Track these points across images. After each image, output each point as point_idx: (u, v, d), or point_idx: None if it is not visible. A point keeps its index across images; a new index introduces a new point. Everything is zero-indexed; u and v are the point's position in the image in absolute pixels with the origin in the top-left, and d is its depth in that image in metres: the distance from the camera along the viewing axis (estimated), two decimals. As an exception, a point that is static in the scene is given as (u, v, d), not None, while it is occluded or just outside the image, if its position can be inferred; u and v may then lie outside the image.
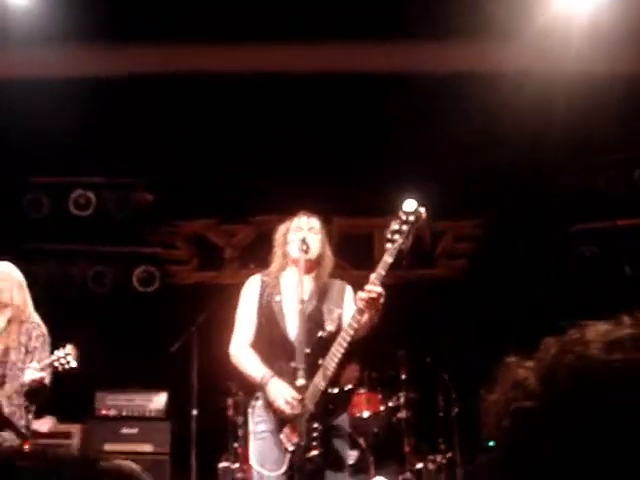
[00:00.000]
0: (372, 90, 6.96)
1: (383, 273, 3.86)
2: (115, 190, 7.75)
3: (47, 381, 4.76)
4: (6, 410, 4.68)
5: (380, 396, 6.64)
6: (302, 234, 4.20)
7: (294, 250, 4.20)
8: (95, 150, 7.30)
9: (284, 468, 4.00)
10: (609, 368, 0.73)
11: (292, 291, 4.19)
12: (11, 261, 7.25)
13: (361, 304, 3.88)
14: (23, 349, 4.79)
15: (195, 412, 6.46)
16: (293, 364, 3.98)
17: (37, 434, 6.71)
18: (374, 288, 3.85)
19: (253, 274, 4.45)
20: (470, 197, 7.20)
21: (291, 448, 4.00)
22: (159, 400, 6.94)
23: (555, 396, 0.73)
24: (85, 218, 7.72)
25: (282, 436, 4.05)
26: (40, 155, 7.21)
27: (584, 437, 0.70)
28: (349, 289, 4.31)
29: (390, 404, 6.64)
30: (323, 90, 7.02)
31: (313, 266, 4.26)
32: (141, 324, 7.44)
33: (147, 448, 6.67)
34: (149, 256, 7.91)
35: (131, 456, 6.27)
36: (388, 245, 3.89)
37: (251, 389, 4.28)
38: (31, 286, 7.38)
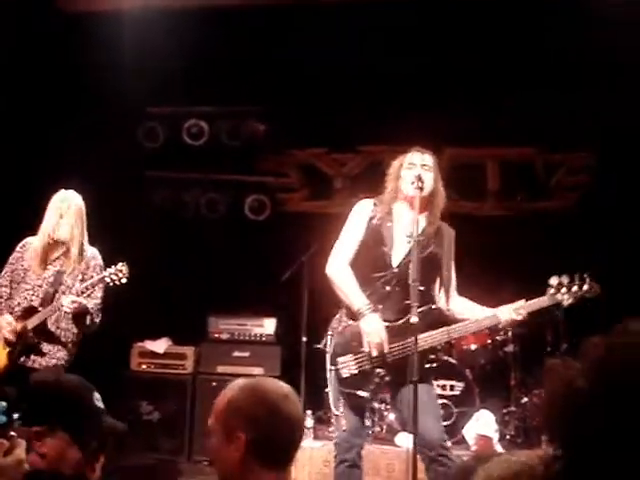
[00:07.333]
0: (480, 16, 6.72)
1: (530, 311, 4.11)
2: (227, 119, 7.84)
3: (90, 306, 4.66)
4: (52, 329, 4.70)
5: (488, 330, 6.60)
6: (416, 171, 4.14)
7: (407, 186, 4.16)
8: (208, 80, 7.37)
9: None
10: None
11: (403, 224, 4.17)
12: (128, 189, 7.53)
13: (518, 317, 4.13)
14: (80, 276, 4.76)
15: (305, 338, 6.59)
16: (388, 288, 4.08)
17: (154, 354, 7.06)
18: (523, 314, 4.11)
19: None
20: (584, 128, 6.89)
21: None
22: (270, 325, 7.10)
23: (606, 390, 0.74)
24: (198, 147, 7.86)
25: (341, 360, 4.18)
26: (155, 86, 7.33)
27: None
28: (453, 237, 4.31)
29: (498, 338, 6.60)
30: (432, 16, 6.82)
31: (426, 204, 4.19)
32: (252, 251, 7.58)
33: (258, 371, 6.84)
34: (260, 184, 8.01)
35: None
36: (551, 291, 4.08)
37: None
38: (146, 213, 7.69)
